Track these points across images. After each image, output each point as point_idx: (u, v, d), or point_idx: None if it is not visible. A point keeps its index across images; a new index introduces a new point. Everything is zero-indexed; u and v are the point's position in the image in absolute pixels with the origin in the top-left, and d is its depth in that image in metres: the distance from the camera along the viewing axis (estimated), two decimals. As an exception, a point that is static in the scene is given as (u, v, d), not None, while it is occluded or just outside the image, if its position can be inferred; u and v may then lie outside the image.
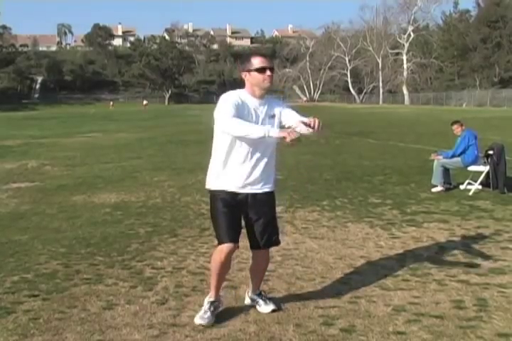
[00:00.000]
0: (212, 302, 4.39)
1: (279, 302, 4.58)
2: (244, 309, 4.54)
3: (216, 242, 4.38)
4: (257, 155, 4.24)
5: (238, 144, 4.18)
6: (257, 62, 4.15)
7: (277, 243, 4.55)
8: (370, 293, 4.87)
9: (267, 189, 4.36)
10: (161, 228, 7.57)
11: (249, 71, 4.17)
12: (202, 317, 4.26)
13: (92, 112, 67.23)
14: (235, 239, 4.26)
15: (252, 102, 4.20)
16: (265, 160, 4.28)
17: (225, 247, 4.23)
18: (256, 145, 4.17)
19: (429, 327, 4.12)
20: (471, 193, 9.61)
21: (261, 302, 4.53)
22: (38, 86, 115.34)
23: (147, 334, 4.08)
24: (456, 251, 6.17)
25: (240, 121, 3.98)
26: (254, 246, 4.47)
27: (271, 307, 4.47)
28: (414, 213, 8.19)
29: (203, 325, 4.18)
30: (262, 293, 4.64)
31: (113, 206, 9.21)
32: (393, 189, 10.22)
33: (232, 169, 4.25)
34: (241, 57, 4.47)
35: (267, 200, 4.39)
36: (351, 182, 11.12)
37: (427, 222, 7.63)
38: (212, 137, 4.33)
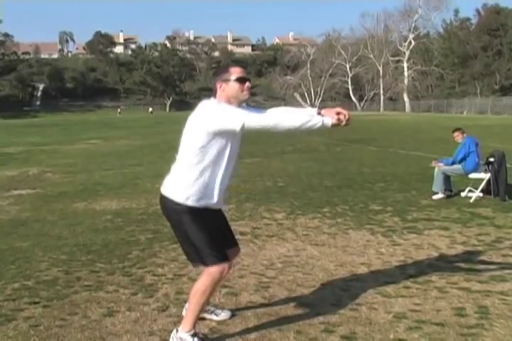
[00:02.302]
0: (195, 334, 3.98)
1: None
2: (245, 315, 4.53)
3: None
4: (230, 168, 4.01)
5: (223, 157, 3.89)
6: (236, 72, 3.93)
7: None
8: (371, 300, 4.86)
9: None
10: (161, 235, 7.57)
11: (226, 81, 3.90)
12: None
13: (92, 119, 67.38)
14: (228, 258, 4.03)
15: None
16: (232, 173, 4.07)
17: (226, 266, 3.96)
18: (234, 153, 3.97)
19: (430, 334, 4.11)
20: (472, 200, 9.60)
21: (218, 310, 4.51)
22: (39, 93, 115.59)
23: (148, 341, 4.07)
24: (457, 259, 6.17)
25: (280, 111, 4.02)
26: (233, 243, 4.33)
27: (229, 312, 4.51)
28: (415, 220, 8.18)
29: None
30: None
31: (114, 213, 9.21)
32: (394, 196, 10.21)
33: (218, 186, 3.95)
34: (217, 69, 4.34)
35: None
36: (352, 189, 11.11)
37: (427, 229, 7.62)
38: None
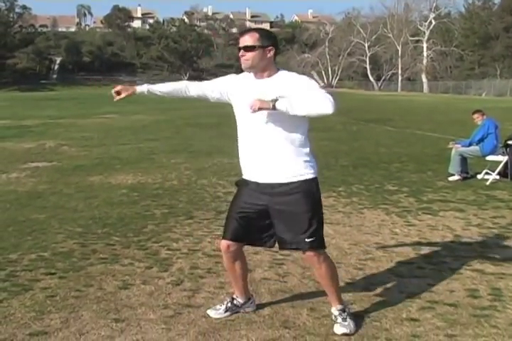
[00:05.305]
0: (232, 298, 4.16)
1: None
2: (259, 292, 4.56)
3: None
4: (256, 139, 3.78)
5: (239, 123, 3.90)
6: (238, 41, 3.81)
7: (315, 245, 3.84)
8: (384, 280, 4.88)
9: (283, 179, 3.75)
10: (177, 210, 7.61)
11: None
12: (215, 308, 4.15)
13: (109, 94, 67.32)
14: (231, 237, 3.94)
15: (252, 83, 3.82)
16: (272, 144, 3.73)
17: (221, 245, 4.05)
18: (247, 125, 3.83)
19: (442, 314, 4.12)
20: (488, 183, 9.55)
21: (338, 319, 3.93)
22: (56, 67, 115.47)
23: (162, 315, 4.12)
24: (471, 241, 6.16)
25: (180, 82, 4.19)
26: (281, 246, 3.98)
27: (343, 329, 3.84)
28: (431, 201, 8.16)
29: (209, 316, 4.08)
30: (346, 309, 4.02)
31: (129, 187, 9.26)
32: (410, 177, 10.18)
33: (242, 156, 3.94)
34: None
35: (288, 192, 3.75)
36: (368, 168, 11.09)
37: (443, 210, 7.60)
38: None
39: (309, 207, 3.78)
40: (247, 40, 3.72)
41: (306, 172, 3.78)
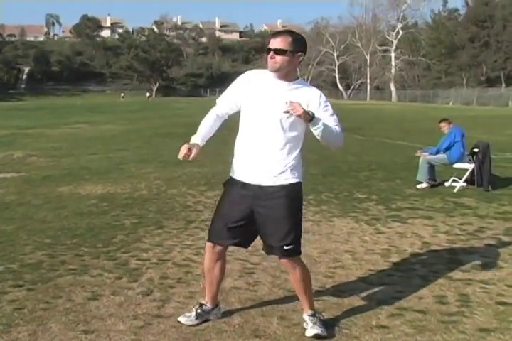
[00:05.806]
0: (200, 304, 4.20)
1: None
2: (229, 301, 4.56)
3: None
4: (259, 139, 3.82)
5: (242, 126, 3.94)
6: (268, 42, 3.77)
7: (291, 252, 3.88)
8: (353, 287, 4.91)
9: (278, 181, 3.83)
10: (146, 220, 7.57)
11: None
12: (185, 315, 4.15)
13: (78, 104, 66.93)
14: (216, 240, 4.01)
15: (275, 82, 3.83)
16: (272, 146, 3.81)
17: (206, 246, 4.10)
18: (256, 122, 3.85)
19: (411, 321, 4.16)
20: (455, 190, 9.67)
21: (309, 324, 3.97)
22: (24, 76, 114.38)
23: (132, 325, 4.09)
24: (439, 248, 6.23)
25: (207, 117, 4.03)
26: (265, 250, 4.06)
27: (314, 331, 3.88)
28: (399, 209, 8.24)
29: (180, 322, 4.10)
30: (316, 314, 4.07)
31: (99, 197, 9.19)
32: (379, 185, 10.27)
33: (237, 154, 3.96)
34: None
35: (279, 194, 3.83)
36: (337, 177, 11.16)
37: (411, 218, 7.68)
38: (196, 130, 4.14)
39: (292, 212, 3.86)
40: (279, 43, 3.72)
41: (295, 176, 3.88)
